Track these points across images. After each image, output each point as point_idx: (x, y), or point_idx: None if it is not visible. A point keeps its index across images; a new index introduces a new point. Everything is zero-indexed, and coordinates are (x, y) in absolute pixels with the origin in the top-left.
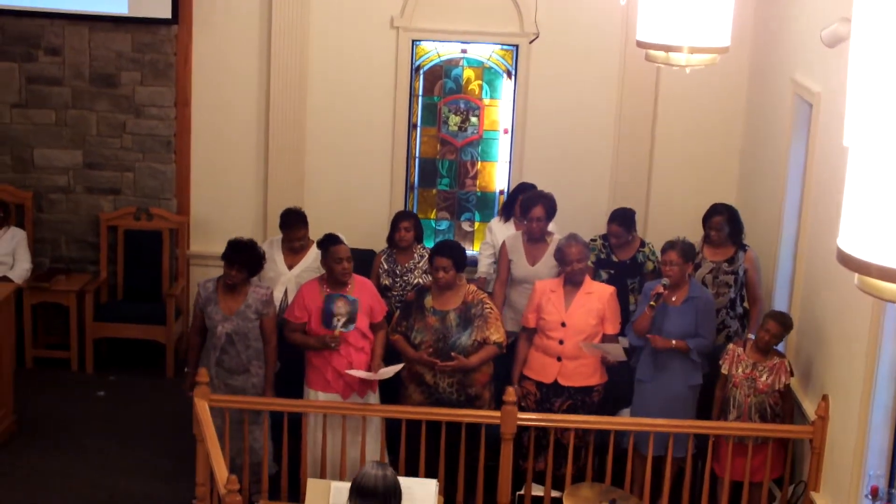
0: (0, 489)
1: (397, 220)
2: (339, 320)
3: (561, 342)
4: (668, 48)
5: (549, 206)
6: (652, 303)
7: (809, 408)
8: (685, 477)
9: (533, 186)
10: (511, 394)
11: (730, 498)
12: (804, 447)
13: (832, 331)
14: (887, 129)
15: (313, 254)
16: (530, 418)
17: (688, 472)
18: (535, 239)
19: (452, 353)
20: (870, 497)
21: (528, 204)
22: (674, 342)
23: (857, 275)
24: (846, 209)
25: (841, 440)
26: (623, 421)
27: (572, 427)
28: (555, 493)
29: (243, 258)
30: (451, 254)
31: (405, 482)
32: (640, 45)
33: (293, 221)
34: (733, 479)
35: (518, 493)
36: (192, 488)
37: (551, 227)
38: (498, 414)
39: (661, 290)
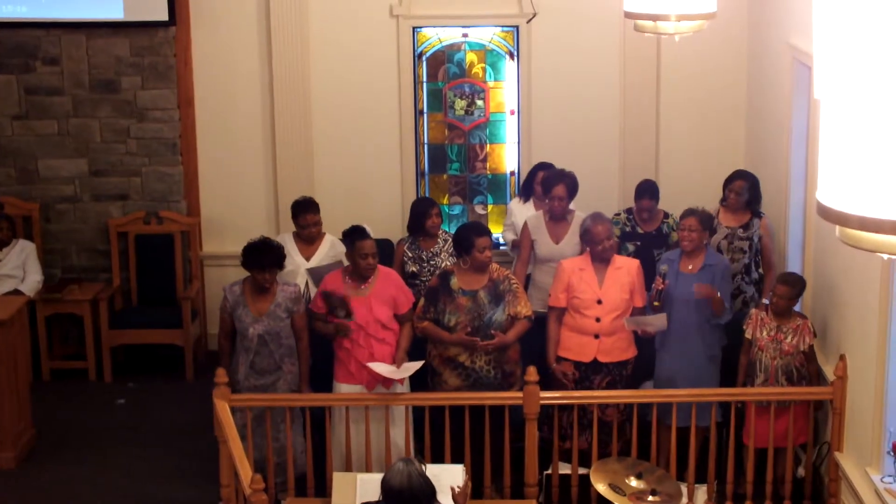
0: (24, 502)
1: (426, 207)
2: (339, 312)
3: (598, 320)
4: (655, 17)
5: (571, 184)
6: (656, 303)
7: (828, 369)
8: (710, 446)
9: (551, 165)
10: (532, 373)
11: (755, 465)
12: (825, 408)
13: (845, 290)
14: (855, 80)
15: (328, 243)
16: (553, 396)
17: (713, 442)
18: (556, 217)
19: (492, 331)
20: (891, 453)
21: (549, 183)
22: (719, 294)
23: (837, 227)
24: (822, 162)
25: (860, 399)
26: (647, 393)
27: (597, 402)
28: (582, 471)
29: (273, 258)
30: (489, 232)
31: (433, 469)
32: (629, 15)
33: (306, 206)
34: (759, 446)
35: (545, 472)
36: (218, 490)
37: (571, 204)
38: (520, 395)
39: (660, 286)
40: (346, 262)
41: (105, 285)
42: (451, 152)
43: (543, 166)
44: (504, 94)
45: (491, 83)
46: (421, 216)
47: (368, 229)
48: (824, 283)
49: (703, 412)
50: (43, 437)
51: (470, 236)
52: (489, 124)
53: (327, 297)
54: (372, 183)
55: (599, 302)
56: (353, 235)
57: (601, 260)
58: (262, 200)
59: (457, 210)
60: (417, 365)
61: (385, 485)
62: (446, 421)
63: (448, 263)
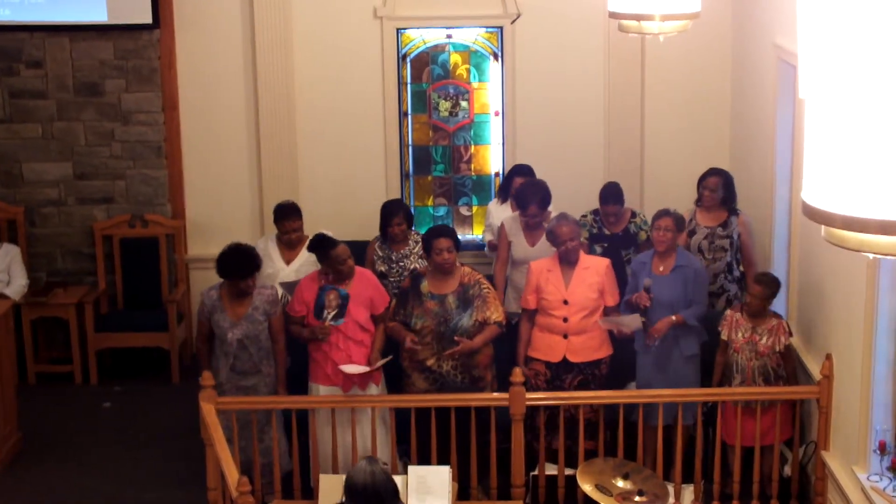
0: None
1: (388, 215)
2: (329, 313)
3: (565, 320)
4: (639, 17)
5: (542, 199)
6: (643, 319)
7: (814, 368)
8: (696, 445)
9: (528, 168)
10: (518, 375)
11: (741, 463)
12: (812, 407)
13: (831, 289)
14: (840, 79)
15: None
16: (539, 398)
17: (699, 441)
18: (532, 226)
19: (456, 337)
20: (878, 452)
21: (521, 199)
22: (674, 318)
23: (823, 227)
24: (807, 162)
25: (846, 398)
26: (631, 394)
27: (581, 403)
28: (569, 471)
29: (252, 265)
30: (450, 234)
31: (419, 471)
32: (613, 15)
33: (287, 212)
34: (744, 444)
35: (532, 473)
36: (205, 493)
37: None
38: (506, 396)
39: (647, 303)
40: None
41: (90, 288)
42: (435, 154)
43: (521, 170)
44: (488, 95)
45: (475, 84)
46: (384, 222)
47: (329, 233)
48: (810, 283)
49: (688, 411)
50: (29, 440)
51: (429, 238)
52: (474, 125)
53: (322, 293)
54: (356, 185)
55: (566, 302)
56: (324, 246)
57: (567, 261)
58: (247, 203)
59: (441, 212)
60: (384, 360)
61: (349, 483)
62: (432, 423)
63: (417, 266)
